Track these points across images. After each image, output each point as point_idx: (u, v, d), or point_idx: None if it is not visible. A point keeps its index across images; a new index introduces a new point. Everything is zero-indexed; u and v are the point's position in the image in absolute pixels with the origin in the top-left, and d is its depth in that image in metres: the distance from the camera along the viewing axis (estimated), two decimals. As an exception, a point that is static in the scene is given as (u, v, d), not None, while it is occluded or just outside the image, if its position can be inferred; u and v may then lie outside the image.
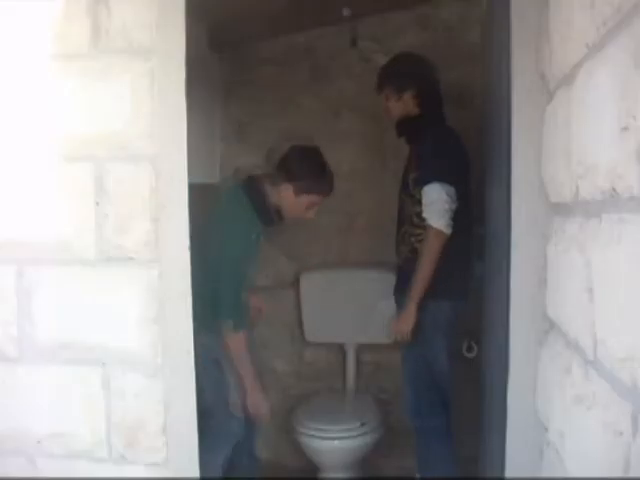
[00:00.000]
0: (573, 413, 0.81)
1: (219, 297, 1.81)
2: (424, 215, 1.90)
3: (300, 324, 2.68)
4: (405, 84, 2.02)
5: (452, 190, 1.88)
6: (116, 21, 1.13)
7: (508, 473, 1.17)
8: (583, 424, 0.76)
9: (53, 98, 1.17)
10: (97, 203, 1.16)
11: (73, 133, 1.16)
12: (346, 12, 2.43)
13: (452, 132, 2.04)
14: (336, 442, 2.21)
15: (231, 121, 2.73)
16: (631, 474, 0.59)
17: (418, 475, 2.17)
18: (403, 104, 2.04)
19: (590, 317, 0.74)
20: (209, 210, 1.93)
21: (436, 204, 1.87)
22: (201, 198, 2.04)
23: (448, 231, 1.87)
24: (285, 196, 1.91)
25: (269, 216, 1.95)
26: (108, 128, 1.15)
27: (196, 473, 1.20)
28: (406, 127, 2.07)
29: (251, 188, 1.93)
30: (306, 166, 1.91)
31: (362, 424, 2.26)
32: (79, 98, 1.16)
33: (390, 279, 2.31)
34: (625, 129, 0.60)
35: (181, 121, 1.15)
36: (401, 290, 2.14)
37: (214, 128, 2.72)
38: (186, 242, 1.17)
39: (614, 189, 0.64)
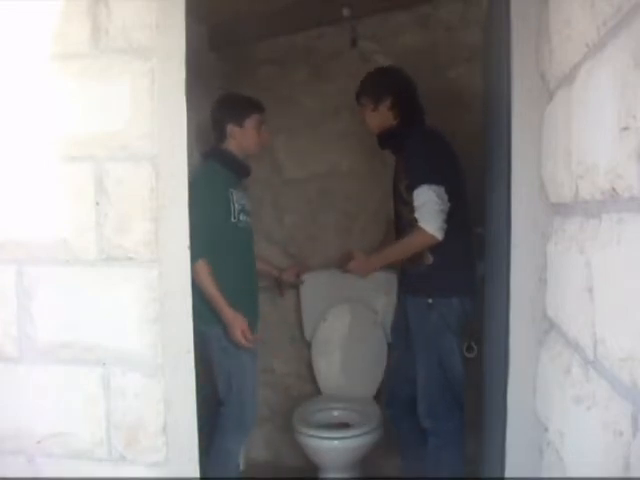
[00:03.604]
0: (573, 413, 0.81)
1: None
2: (416, 216, 1.91)
3: (300, 324, 2.68)
4: (380, 94, 2.08)
5: (442, 190, 1.89)
6: (116, 21, 1.13)
7: (508, 473, 1.17)
8: (583, 424, 0.76)
9: (53, 98, 1.17)
10: (97, 203, 1.16)
11: (73, 133, 1.16)
12: (346, 12, 2.43)
13: (434, 133, 2.06)
14: (336, 442, 2.21)
15: (231, 121, 2.73)
16: (631, 474, 0.59)
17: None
18: (380, 115, 2.09)
19: (590, 317, 0.74)
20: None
21: (427, 205, 1.88)
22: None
23: (438, 235, 1.87)
24: (236, 133, 2.11)
25: (241, 166, 2.14)
26: (108, 128, 1.15)
27: (196, 473, 1.20)
28: (387, 138, 2.11)
29: (214, 155, 2.11)
30: (231, 100, 2.18)
31: (362, 424, 2.26)
32: (79, 98, 1.16)
33: (390, 279, 2.32)
34: (625, 129, 0.60)
35: (181, 121, 1.15)
36: (404, 291, 2.15)
37: (214, 128, 2.72)
38: (186, 242, 1.17)
39: (614, 189, 0.64)
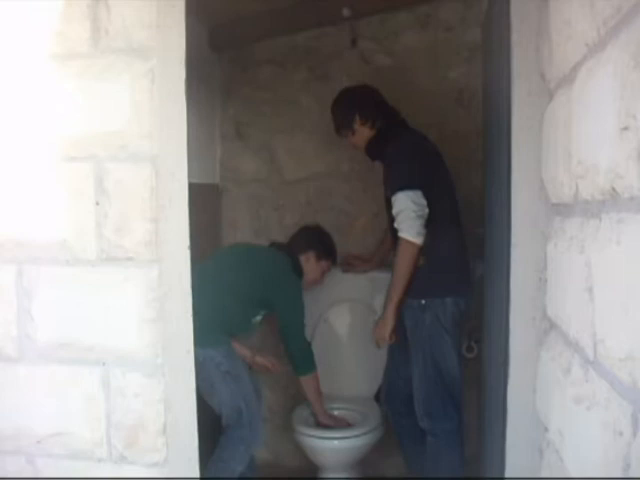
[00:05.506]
0: (573, 413, 0.81)
1: (298, 349, 2.23)
2: (395, 226, 1.93)
3: (300, 324, 2.68)
4: (347, 118, 2.14)
5: (418, 194, 1.90)
6: (116, 21, 1.13)
7: (508, 473, 1.17)
8: (583, 424, 0.76)
9: (53, 98, 1.17)
10: (97, 203, 1.16)
11: (73, 133, 1.16)
12: (346, 12, 2.43)
13: (414, 136, 2.08)
14: (336, 442, 2.21)
15: (231, 121, 2.73)
16: (631, 474, 0.59)
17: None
18: (359, 133, 2.15)
19: (590, 317, 0.74)
20: (251, 265, 2.26)
21: (403, 214, 1.90)
22: (201, 198, 2.05)
23: (418, 240, 1.89)
24: (310, 261, 2.33)
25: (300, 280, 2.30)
26: (108, 128, 1.14)
27: (196, 473, 1.20)
28: (371, 149, 2.15)
29: (291, 257, 2.30)
30: (323, 236, 2.41)
31: (362, 424, 2.26)
32: (79, 98, 1.15)
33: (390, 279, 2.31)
34: (625, 129, 0.60)
35: (181, 121, 1.15)
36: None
37: (214, 128, 2.72)
38: (186, 242, 1.17)
39: (614, 189, 0.64)
